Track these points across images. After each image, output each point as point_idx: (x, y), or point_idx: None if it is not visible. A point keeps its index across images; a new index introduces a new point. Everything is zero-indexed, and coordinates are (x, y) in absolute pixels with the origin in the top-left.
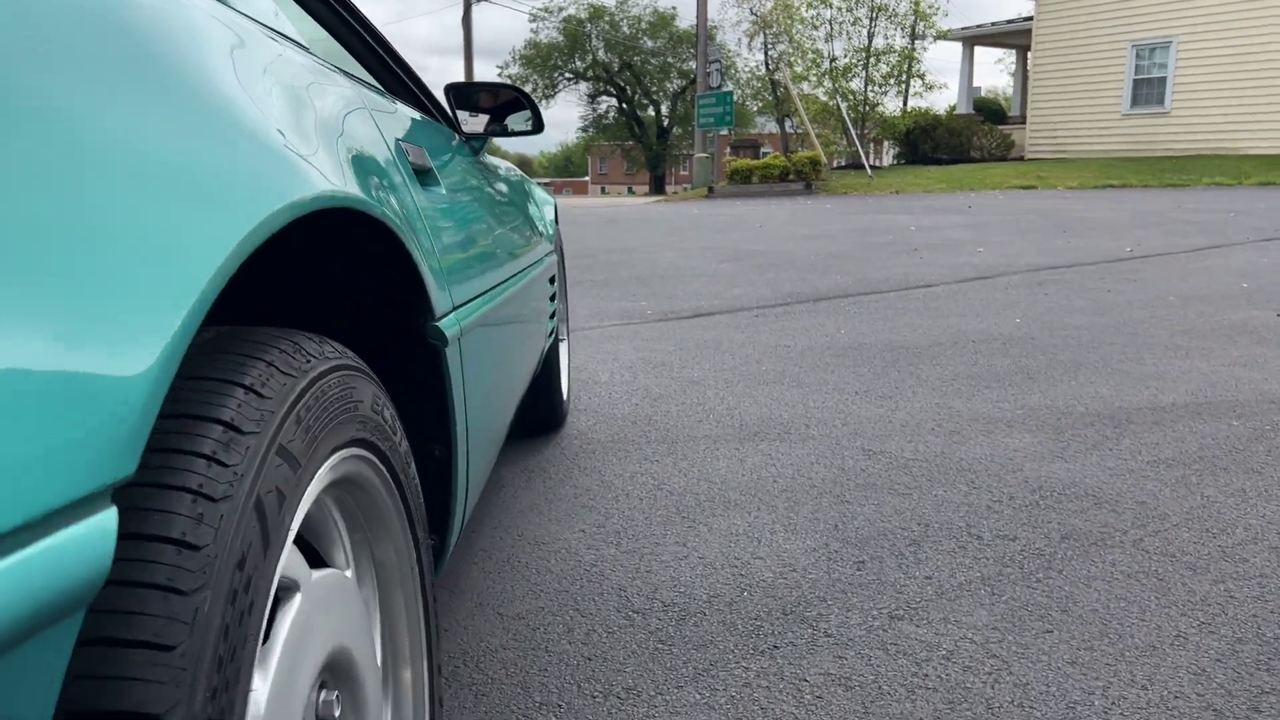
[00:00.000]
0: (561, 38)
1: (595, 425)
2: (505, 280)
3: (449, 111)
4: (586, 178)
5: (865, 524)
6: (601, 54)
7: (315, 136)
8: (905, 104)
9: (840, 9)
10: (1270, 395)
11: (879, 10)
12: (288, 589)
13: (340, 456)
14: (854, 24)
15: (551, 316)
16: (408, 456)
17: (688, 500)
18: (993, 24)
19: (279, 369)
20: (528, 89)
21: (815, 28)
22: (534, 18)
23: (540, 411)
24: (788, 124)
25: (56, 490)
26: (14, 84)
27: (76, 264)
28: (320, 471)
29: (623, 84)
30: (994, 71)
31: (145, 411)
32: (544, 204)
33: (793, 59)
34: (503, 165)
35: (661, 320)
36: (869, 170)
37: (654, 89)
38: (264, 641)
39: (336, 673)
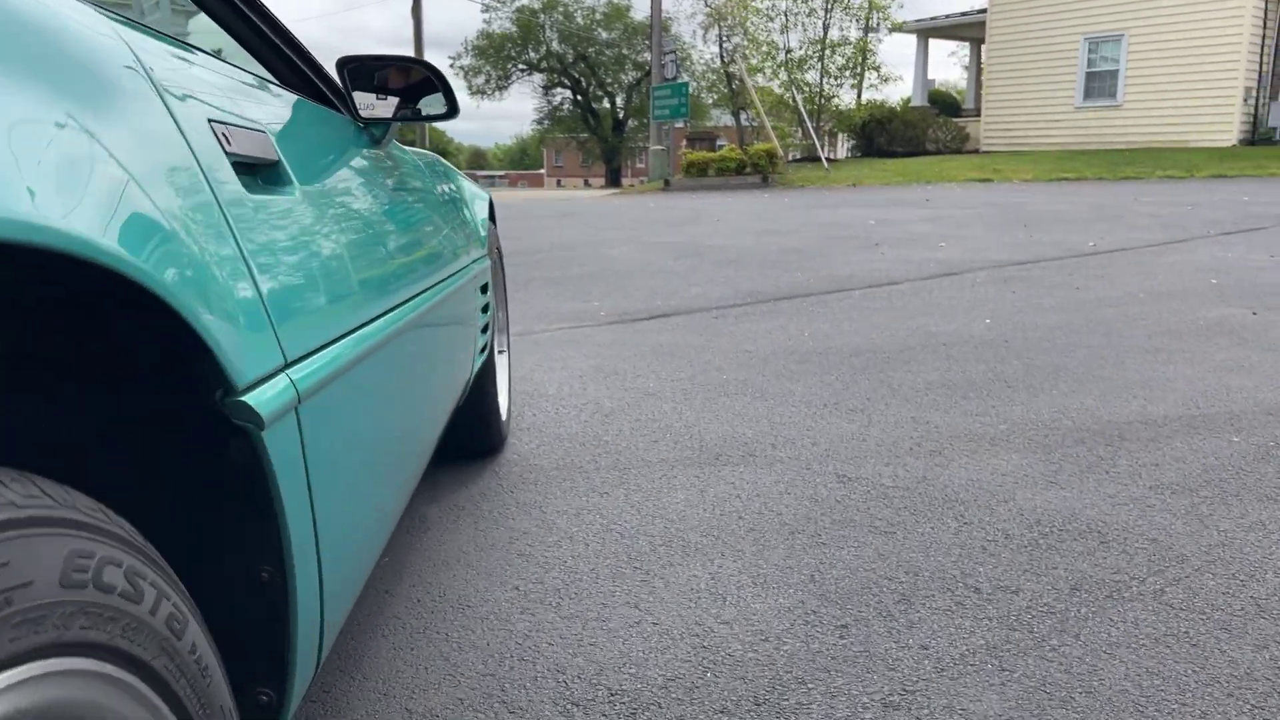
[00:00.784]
0: (515, 28)
1: (539, 448)
2: (400, 303)
3: (344, 92)
4: (542, 171)
5: (845, 573)
6: (556, 45)
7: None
8: (860, 96)
9: (795, 1)
10: (1266, 405)
11: (834, 2)
12: None
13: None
14: (809, 15)
15: (485, 330)
16: (200, 662)
17: (641, 544)
18: (947, 16)
19: None
20: (480, 81)
21: (770, 19)
22: (486, 8)
23: (475, 437)
24: (743, 117)
25: None
26: None
27: None
28: None
29: (577, 76)
30: (948, 64)
31: None
32: (475, 200)
33: (748, 51)
34: (419, 156)
35: (615, 322)
36: (825, 163)
37: (609, 81)
38: None
39: None
